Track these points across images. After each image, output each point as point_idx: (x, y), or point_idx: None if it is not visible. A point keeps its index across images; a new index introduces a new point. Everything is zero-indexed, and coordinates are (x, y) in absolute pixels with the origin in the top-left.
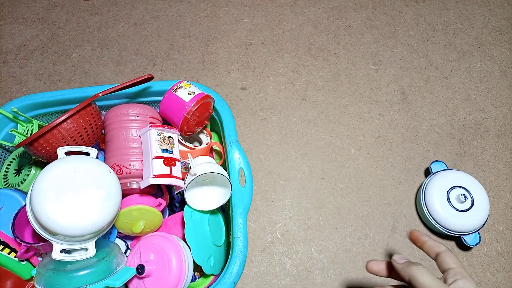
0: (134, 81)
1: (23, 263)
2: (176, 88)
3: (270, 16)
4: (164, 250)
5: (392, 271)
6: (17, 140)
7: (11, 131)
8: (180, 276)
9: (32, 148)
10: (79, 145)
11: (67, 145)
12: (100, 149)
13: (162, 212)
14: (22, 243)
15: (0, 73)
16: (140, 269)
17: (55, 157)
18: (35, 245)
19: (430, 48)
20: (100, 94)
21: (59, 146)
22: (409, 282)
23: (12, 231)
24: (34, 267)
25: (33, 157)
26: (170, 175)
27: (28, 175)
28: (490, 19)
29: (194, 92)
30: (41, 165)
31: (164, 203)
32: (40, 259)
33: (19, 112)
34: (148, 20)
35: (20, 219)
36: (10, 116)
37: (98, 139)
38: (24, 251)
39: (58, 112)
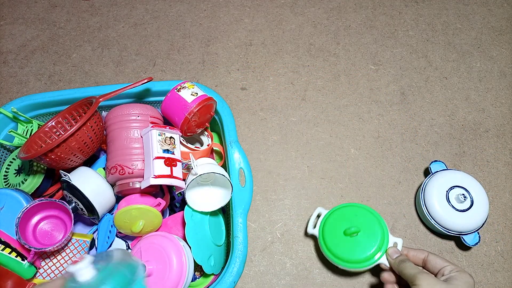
0: (134, 85)
1: (24, 262)
2: (180, 88)
3: (270, 16)
4: (165, 249)
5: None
6: (16, 140)
7: (9, 132)
8: (180, 276)
9: (37, 158)
10: (84, 152)
11: (74, 155)
12: (101, 149)
13: (163, 212)
14: (32, 248)
15: (1, 73)
16: None
17: (59, 166)
18: (45, 249)
19: (429, 48)
20: (101, 100)
21: (66, 157)
22: (399, 275)
23: (18, 238)
24: (35, 267)
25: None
26: (170, 176)
27: (29, 175)
28: (490, 19)
29: (197, 93)
30: (41, 165)
31: (163, 203)
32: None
33: (19, 112)
34: (148, 21)
35: (22, 223)
36: (11, 116)
37: (101, 143)
38: (33, 255)
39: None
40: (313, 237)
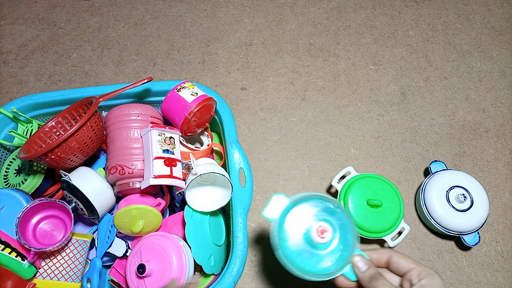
0: (134, 85)
1: (24, 262)
2: (180, 88)
3: (270, 16)
4: (165, 249)
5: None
6: (16, 140)
7: (9, 132)
8: (180, 276)
9: (37, 158)
10: (84, 152)
11: (74, 155)
12: (101, 149)
13: (163, 212)
14: (32, 248)
15: (1, 73)
16: (141, 268)
17: (59, 166)
18: (45, 249)
19: (429, 48)
20: (101, 100)
21: (66, 157)
22: None
23: (18, 238)
24: (35, 267)
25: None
26: (170, 176)
27: (29, 175)
28: (490, 19)
29: (197, 93)
30: (42, 165)
31: (163, 203)
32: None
33: (19, 112)
34: (148, 21)
35: (22, 223)
36: (11, 116)
37: (101, 143)
38: (33, 255)
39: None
40: None
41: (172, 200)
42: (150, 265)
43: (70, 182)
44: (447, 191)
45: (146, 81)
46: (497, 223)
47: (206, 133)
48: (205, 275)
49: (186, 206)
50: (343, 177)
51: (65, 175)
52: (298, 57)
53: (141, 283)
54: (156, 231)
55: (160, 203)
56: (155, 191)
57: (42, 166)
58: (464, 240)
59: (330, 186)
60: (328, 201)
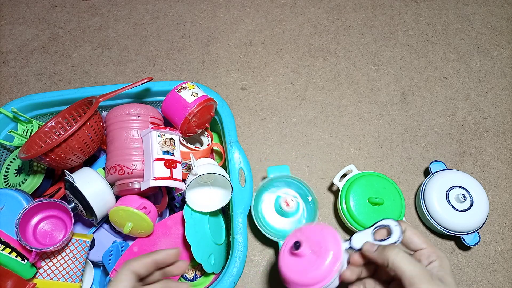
0: (134, 85)
1: (24, 262)
2: (180, 88)
3: (270, 16)
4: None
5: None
6: (16, 140)
7: (9, 132)
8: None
9: (37, 158)
10: (85, 152)
11: (75, 155)
12: (101, 149)
13: (162, 212)
14: (33, 249)
15: (1, 73)
16: (296, 244)
17: (60, 166)
18: (46, 249)
19: (429, 48)
20: (101, 100)
21: (67, 157)
22: (388, 267)
23: (19, 239)
24: (35, 267)
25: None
26: (170, 177)
27: (29, 175)
28: (490, 19)
29: (197, 94)
30: (42, 165)
31: (153, 210)
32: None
33: (19, 112)
34: (148, 21)
35: (22, 224)
36: (11, 116)
37: (101, 143)
38: (35, 256)
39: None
40: None
41: (172, 200)
42: (305, 247)
43: (73, 184)
44: (447, 191)
45: (146, 81)
46: (497, 223)
47: (206, 133)
48: (206, 274)
49: (185, 205)
50: (344, 175)
51: (69, 175)
52: (298, 57)
53: (292, 260)
54: (148, 236)
55: (146, 207)
56: (154, 192)
57: (42, 166)
58: (464, 240)
59: (331, 185)
60: (294, 179)
